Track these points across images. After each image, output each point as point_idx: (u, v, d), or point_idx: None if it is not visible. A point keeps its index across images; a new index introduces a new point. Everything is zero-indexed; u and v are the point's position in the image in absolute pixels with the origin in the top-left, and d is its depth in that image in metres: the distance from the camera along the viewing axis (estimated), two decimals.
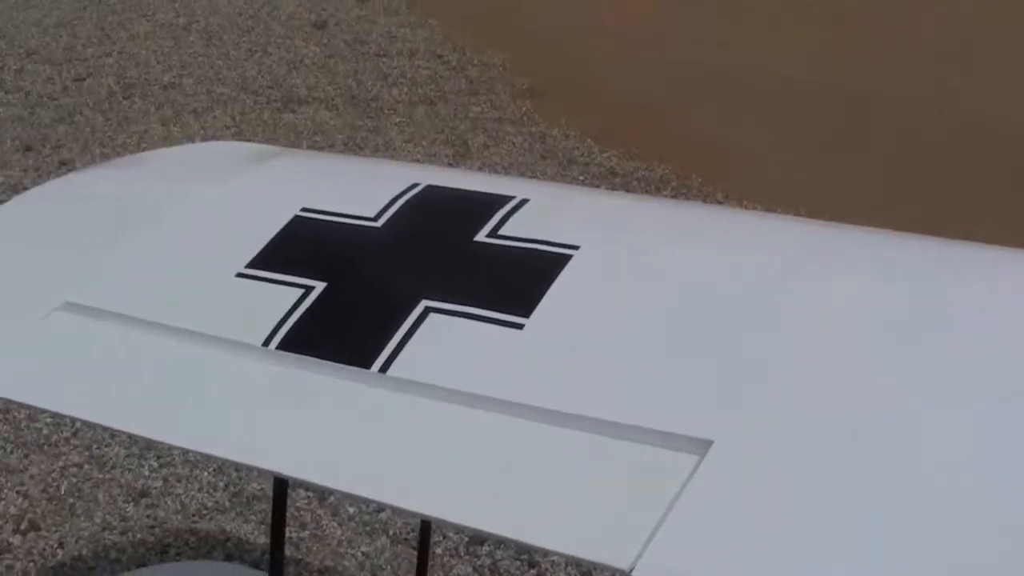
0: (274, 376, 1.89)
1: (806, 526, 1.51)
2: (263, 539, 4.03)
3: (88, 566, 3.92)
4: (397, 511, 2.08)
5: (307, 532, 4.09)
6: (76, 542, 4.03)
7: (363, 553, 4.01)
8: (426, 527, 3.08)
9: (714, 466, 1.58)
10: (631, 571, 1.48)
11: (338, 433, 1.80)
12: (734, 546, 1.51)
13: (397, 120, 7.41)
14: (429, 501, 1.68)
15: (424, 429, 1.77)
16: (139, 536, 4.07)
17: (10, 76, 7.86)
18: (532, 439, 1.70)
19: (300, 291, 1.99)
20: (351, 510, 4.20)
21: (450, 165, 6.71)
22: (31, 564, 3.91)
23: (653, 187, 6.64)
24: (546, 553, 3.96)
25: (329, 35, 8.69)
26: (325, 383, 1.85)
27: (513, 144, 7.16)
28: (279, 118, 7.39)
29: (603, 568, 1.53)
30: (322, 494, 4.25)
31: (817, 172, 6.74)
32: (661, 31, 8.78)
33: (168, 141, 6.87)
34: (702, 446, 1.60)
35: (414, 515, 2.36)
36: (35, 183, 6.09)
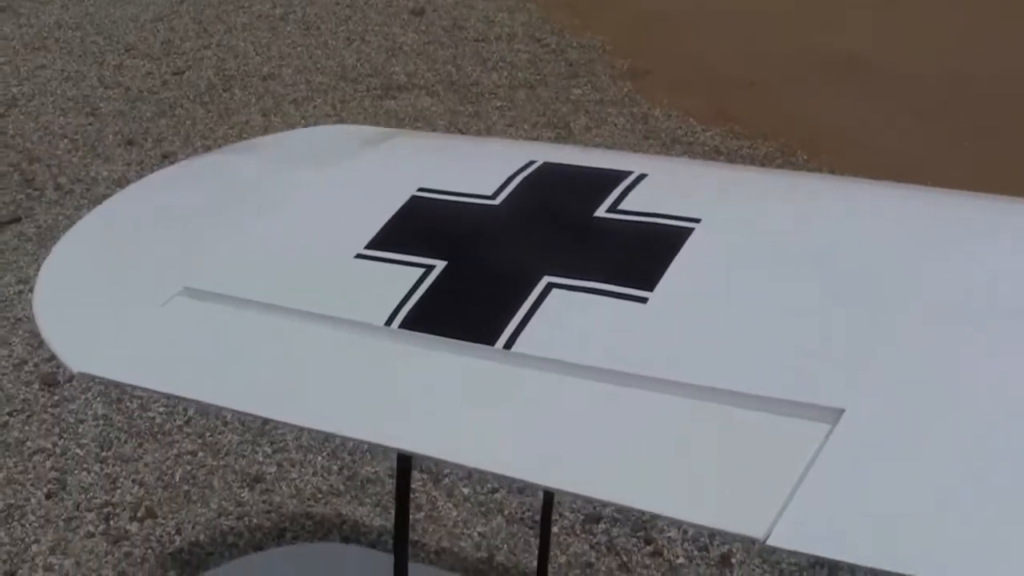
0: (398, 354, 1.88)
1: (941, 496, 1.47)
2: (379, 521, 4.01)
3: (206, 552, 3.91)
4: (526, 485, 2.06)
5: (422, 513, 4.06)
6: (193, 528, 4.03)
7: (479, 533, 3.97)
8: (548, 505, 3.03)
9: (846, 434, 1.55)
10: (766, 540, 1.45)
11: (464, 409, 1.79)
12: (869, 515, 1.47)
13: (498, 104, 7.38)
14: (558, 475, 1.66)
15: (551, 403, 1.75)
16: (255, 521, 4.06)
17: (110, 72, 7.91)
18: (659, 411, 1.68)
19: (421, 270, 1.98)
20: (466, 491, 4.17)
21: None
22: (149, 551, 3.91)
23: (758, 165, 6.55)
24: (666, 524, 3.94)
25: (427, 21, 8.67)
26: (450, 360, 1.83)
27: (615, 125, 7.10)
28: (380, 105, 7.38)
29: (737, 538, 1.53)
30: (436, 475, 4.22)
31: (927, 151, 6.62)
32: (759, 8, 8.67)
33: (269, 131, 6.86)
34: (833, 415, 1.58)
35: (542, 488, 2.34)
36: (138, 176, 6.12)
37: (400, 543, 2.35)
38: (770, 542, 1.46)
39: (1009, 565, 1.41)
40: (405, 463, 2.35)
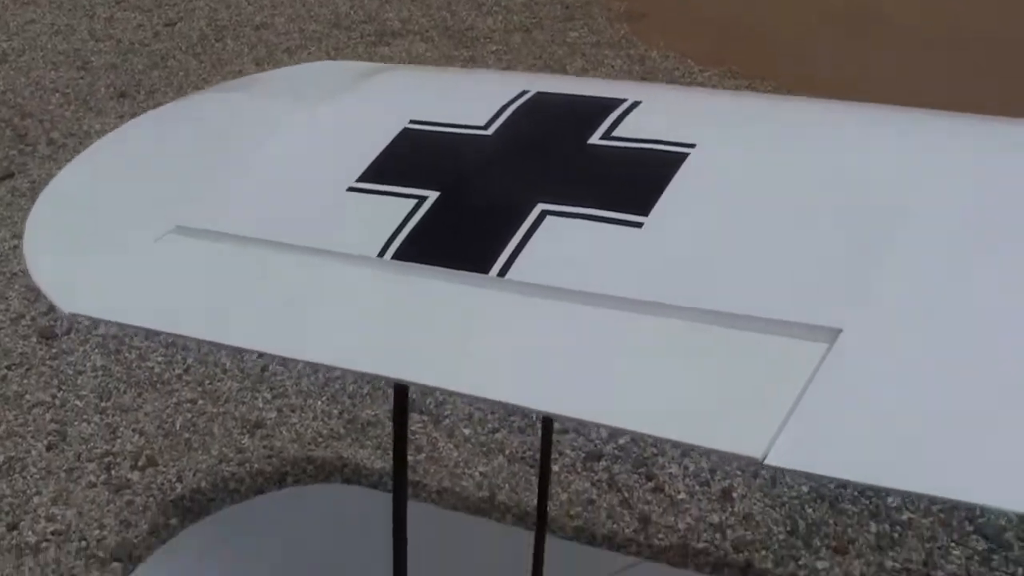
0: (392, 285, 1.87)
1: (941, 414, 1.47)
2: (379, 463, 4.00)
3: (207, 498, 3.90)
4: (525, 411, 2.06)
5: (423, 455, 4.06)
6: (194, 475, 4.02)
7: (481, 473, 3.97)
8: (547, 440, 3.01)
9: (844, 354, 1.54)
10: (764, 459, 1.45)
11: (460, 337, 1.78)
12: (867, 433, 1.48)
13: (493, 48, 7.33)
14: (558, 400, 1.66)
15: (546, 330, 1.74)
16: (256, 467, 4.06)
17: (100, 24, 7.86)
18: (656, 334, 1.67)
19: (413, 201, 1.97)
20: (467, 431, 4.17)
21: None
22: (150, 499, 3.90)
23: None
24: (667, 460, 3.94)
25: None
26: (444, 289, 1.83)
27: (612, 67, 7.06)
28: (374, 52, 7.33)
29: (735, 458, 1.50)
30: (437, 417, 4.22)
31: (928, 93, 6.55)
32: None
33: None
34: (831, 334, 1.57)
35: (540, 413, 2.33)
36: None
37: (399, 477, 2.34)
38: (768, 461, 1.46)
39: (1008, 479, 1.40)
40: (402, 394, 2.34)
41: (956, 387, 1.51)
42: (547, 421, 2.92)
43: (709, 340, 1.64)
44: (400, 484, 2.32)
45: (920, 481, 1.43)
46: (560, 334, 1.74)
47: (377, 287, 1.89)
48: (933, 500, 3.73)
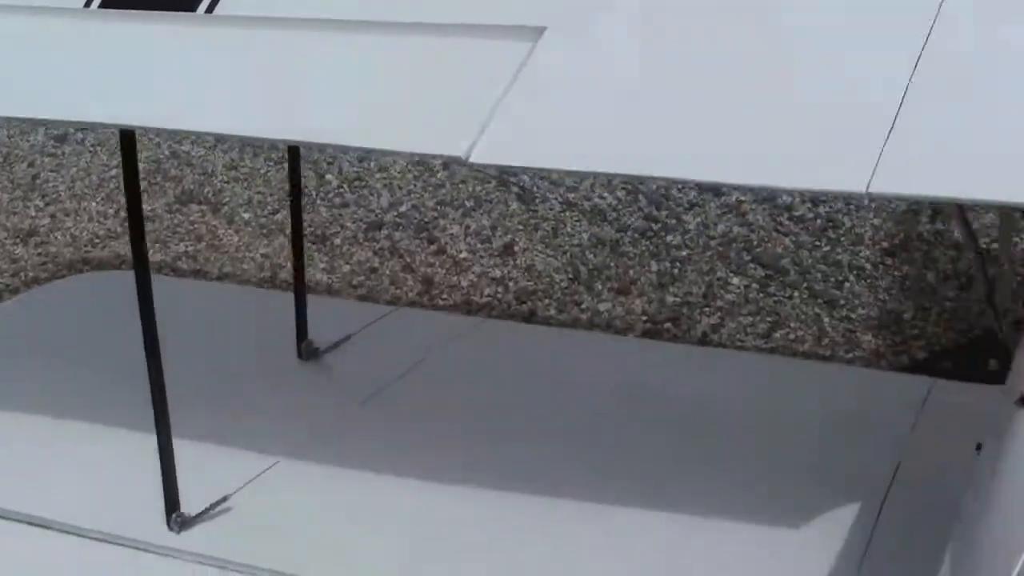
0: (102, 33, 1.87)
1: (645, 102, 1.52)
2: (159, 256, 3.91)
3: None
4: (246, 141, 1.97)
5: (203, 244, 4.02)
6: None
7: (262, 255, 3.93)
8: (295, 167, 2.93)
9: (547, 51, 1.57)
10: (467, 158, 1.48)
11: (179, 75, 1.79)
12: (571, 126, 1.53)
13: None
14: (275, 125, 1.71)
15: (261, 59, 1.77)
16: (32, 274, 3.96)
17: None
18: (366, 52, 1.71)
19: None
20: (246, 216, 4.12)
21: None
22: None
23: None
24: (448, 222, 3.93)
25: None
26: (155, 31, 1.83)
27: None
28: None
29: (441, 159, 1.58)
30: (215, 205, 4.17)
31: None
32: None
33: None
34: (534, 34, 1.59)
35: (261, 141, 2.30)
36: None
37: (135, 232, 2.24)
38: (472, 160, 1.49)
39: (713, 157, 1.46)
40: (129, 142, 2.28)
41: (657, 78, 1.54)
42: (292, 150, 2.84)
43: (414, 51, 1.68)
44: (138, 244, 2.22)
45: (620, 164, 1.50)
46: (273, 60, 1.76)
47: (88, 37, 1.88)
48: (702, 233, 3.78)
